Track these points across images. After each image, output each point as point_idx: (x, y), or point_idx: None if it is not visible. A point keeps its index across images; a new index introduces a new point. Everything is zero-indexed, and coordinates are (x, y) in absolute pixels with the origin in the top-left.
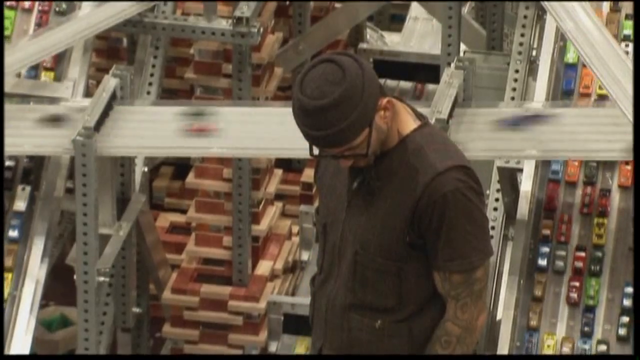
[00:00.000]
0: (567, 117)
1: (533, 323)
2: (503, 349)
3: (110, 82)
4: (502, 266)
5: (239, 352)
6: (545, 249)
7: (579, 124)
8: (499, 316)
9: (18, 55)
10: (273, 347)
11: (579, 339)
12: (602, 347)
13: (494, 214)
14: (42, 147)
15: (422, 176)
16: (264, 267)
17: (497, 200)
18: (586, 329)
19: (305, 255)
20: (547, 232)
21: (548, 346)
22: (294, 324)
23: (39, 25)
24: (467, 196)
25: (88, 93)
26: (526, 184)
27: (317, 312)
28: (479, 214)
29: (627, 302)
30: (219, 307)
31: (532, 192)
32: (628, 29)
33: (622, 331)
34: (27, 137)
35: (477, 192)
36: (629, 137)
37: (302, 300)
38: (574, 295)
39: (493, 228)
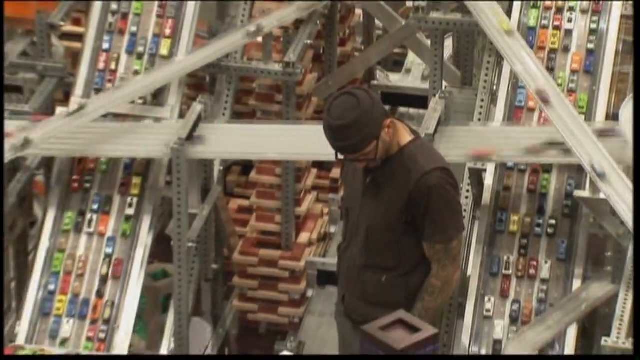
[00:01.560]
0: (515, 133)
1: (504, 205)
2: (472, 295)
3: (197, 107)
4: (471, 238)
5: (285, 296)
6: None
7: (523, 138)
8: (469, 273)
9: (133, 88)
10: (309, 293)
11: (535, 216)
12: (552, 221)
13: (466, 201)
14: (150, 152)
15: (414, 174)
16: (303, 237)
17: (467, 191)
18: (541, 208)
19: (332, 229)
20: None
21: (514, 221)
22: (325, 278)
23: (160, 7)
24: (446, 189)
25: (181, 114)
26: (488, 180)
27: (341, 270)
28: (454, 202)
29: (569, 189)
30: (272, 265)
31: (493, 186)
32: (573, 1)
33: (567, 210)
34: (140, 145)
35: (454, 186)
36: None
37: (331, 261)
38: (532, 186)
39: (465, 211)
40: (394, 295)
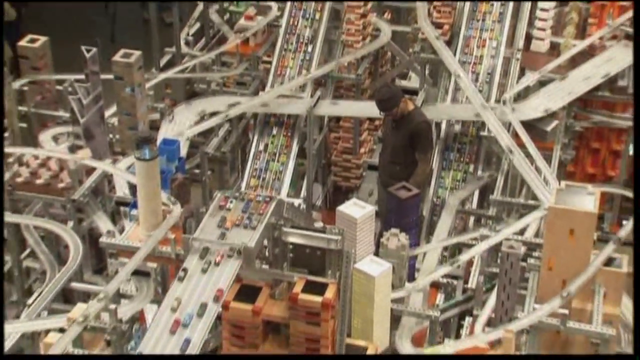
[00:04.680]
0: (456, 107)
1: (448, 138)
2: (434, 180)
3: (317, 92)
4: (435, 150)
5: (354, 175)
6: None
7: (460, 109)
8: (434, 167)
9: (292, 84)
10: (364, 174)
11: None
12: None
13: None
14: (298, 111)
15: (413, 124)
16: (362, 150)
17: (434, 131)
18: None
19: (375, 147)
20: None
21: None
22: (370, 167)
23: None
24: (427, 131)
25: (311, 96)
26: (442, 127)
27: (379, 163)
28: (430, 137)
29: (478, 131)
30: (348, 161)
31: (446, 129)
32: None
33: (476, 142)
34: (294, 109)
35: (431, 130)
36: (471, 113)
37: (374, 160)
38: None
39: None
40: (402, 175)
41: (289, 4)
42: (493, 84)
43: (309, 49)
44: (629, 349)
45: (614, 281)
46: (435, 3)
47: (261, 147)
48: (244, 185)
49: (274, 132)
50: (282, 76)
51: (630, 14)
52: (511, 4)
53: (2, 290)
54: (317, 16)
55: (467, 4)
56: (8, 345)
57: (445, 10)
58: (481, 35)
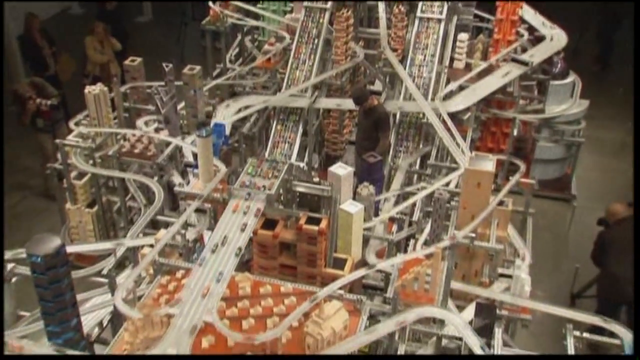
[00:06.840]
0: (408, 104)
1: (403, 122)
2: (391, 151)
3: (316, 92)
4: (392, 131)
5: (339, 148)
6: None
7: (411, 105)
8: (392, 140)
9: (299, 88)
10: (347, 148)
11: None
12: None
13: (391, 122)
14: (302, 104)
15: (377, 114)
16: (345, 130)
17: (391, 119)
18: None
19: (354, 129)
20: None
21: (406, 125)
22: (350, 142)
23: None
24: (387, 118)
25: (311, 95)
26: (397, 116)
27: (356, 140)
28: (389, 122)
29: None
30: (337, 138)
31: (399, 117)
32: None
33: (418, 126)
34: (300, 102)
35: (389, 117)
36: (416, 107)
37: (352, 137)
38: (414, 118)
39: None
40: (370, 147)
41: (303, 12)
42: (429, 89)
43: (315, 41)
44: (510, 257)
45: (503, 216)
46: (393, 35)
47: (278, 129)
48: (267, 153)
49: (287, 118)
50: (298, 59)
51: (515, 45)
52: (441, 37)
53: (2, 298)
54: (321, 20)
55: (413, 36)
56: (119, 254)
57: (399, 40)
58: (422, 56)
